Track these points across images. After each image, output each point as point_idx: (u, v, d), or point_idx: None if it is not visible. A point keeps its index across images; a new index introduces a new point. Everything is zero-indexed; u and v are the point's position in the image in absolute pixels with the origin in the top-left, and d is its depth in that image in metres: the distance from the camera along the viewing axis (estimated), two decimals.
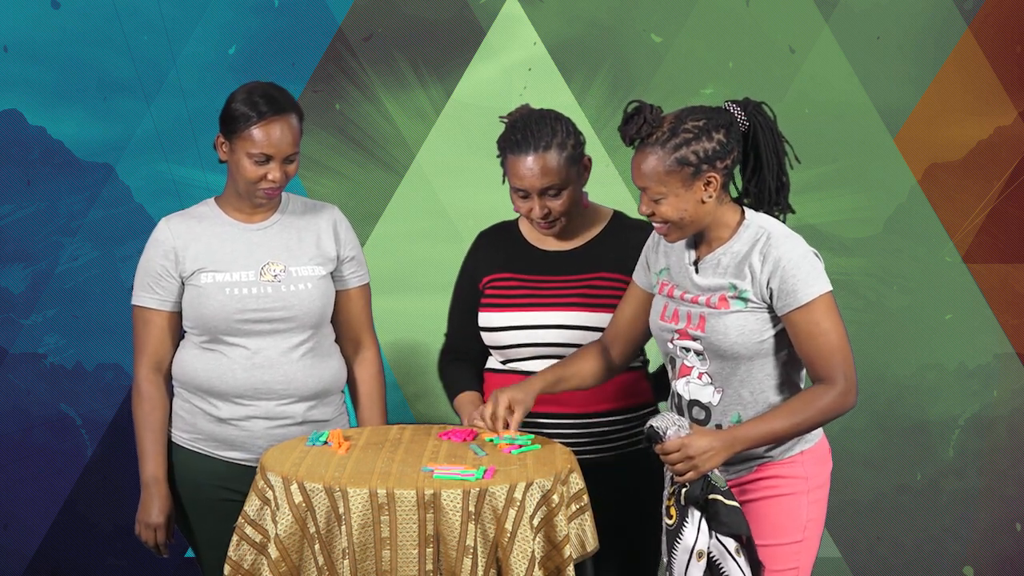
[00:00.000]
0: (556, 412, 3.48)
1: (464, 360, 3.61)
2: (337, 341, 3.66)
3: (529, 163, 3.42)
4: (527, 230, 3.62)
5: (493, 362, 3.60)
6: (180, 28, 4.56)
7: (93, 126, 4.59)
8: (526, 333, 3.51)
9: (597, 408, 3.49)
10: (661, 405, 3.59)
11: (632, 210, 4.48)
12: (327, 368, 3.58)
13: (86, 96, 4.58)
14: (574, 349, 3.48)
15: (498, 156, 3.52)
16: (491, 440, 3.27)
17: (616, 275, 3.50)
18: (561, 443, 3.38)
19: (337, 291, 3.62)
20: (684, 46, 4.62)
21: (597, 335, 3.47)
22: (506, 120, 3.53)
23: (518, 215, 3.60)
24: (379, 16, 4.60)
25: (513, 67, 4.62)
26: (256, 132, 3.44)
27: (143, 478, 3.56)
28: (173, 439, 3.58)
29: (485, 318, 3.55)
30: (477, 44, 4.62)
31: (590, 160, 3.52)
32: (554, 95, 4.56)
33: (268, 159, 3.45)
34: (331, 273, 3.59)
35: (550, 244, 3.58)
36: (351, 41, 4.60)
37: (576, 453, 3.36)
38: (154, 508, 3.55)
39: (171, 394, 3.60)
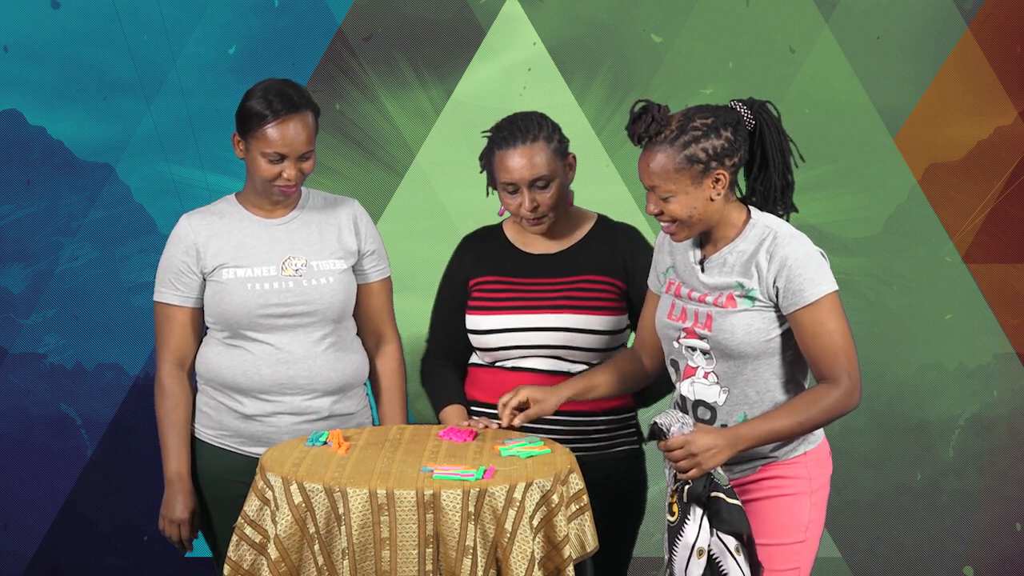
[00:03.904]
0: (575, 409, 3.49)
1: (448, 367, 3.61)
2: (359, 335, 3.66)
3: (518, 155, 3.45)
4: (512, 234, 3.62)
5: (477, 358, 3.61)
6: (180, 28, 4.56)
7: (93, 126, 4.59)
8: (514, 336, 3.52)
9: (577, 408, 3.49)
10: (642, 412, 3.60)
11: (632, 210, 4.49)
12: (350, 362, 3.59)
13: (86, 96, 4.58)
14: (562, 351, 3.50)
15: (482, 171, 3.54)
16: (507, 453, 3.26)
17: (602, 277, 3.52)
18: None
19: (360, 284, 3.63)
20: (684, 46, 4.62)
21: (584, 337, 3.49)
22: (489, 134, 3.55)
23: (502, 219, 3.63)
24: (379, 16, 4.60)
25: (513, 67, 4.62)
26: (270, 131, 3.44)
27: (167, 474, 3.56)
28: (197, 435, 3.58)
29: (473, 321, 3.56)
30: (477, 44, 4.62)
31: (575, 159, 3.54)
32: (554, 95, 4.57)
33: (282, 158, 3.46)
34: (352, 267, 3.60)
35: (536, 247, 3.59)
36: (351, 41, 4.60)
37: (591, 449, 3.38)
38: (178, 504, 3.54)
39: (194, 390, 3.60)
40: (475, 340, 3.57)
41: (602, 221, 3.61)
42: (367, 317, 3.66)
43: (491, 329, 3.53)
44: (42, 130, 4.59)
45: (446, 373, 3.60)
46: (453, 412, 3.52)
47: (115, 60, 4.57)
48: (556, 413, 3.45)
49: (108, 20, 4.55)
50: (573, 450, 3.48)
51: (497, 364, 3.56)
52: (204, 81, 4.57)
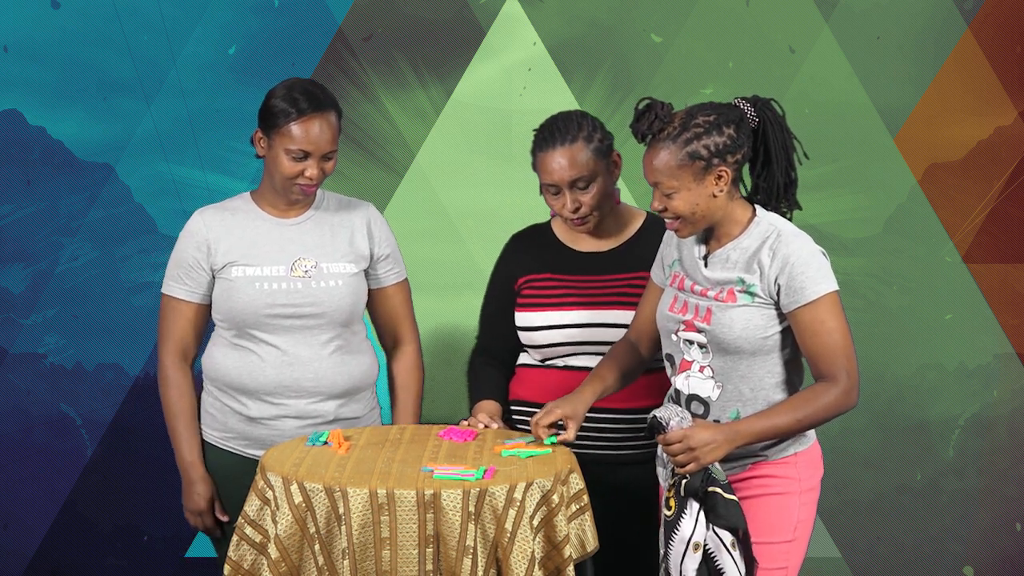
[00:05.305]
0: (593, 407, 3.49)
1: (492, 364, 3.63)
2: (379, 336, 3.67)
3: (557, 156, 3.46)
4: (561, 232, 3.64)
5: (527, 358, 3.61)
6: (180, 28, 4.56)
7: (93, 126, 4.59)
8: (565, 332, 3.53)
9: (633, 404, 3.50)
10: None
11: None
12: (358, 365, 3.59)
13: (86, 96, 4.57)
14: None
15: (535, 170, 3.55)
16: (508, 454, 3.25)
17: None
18: (595, 437, 3.40)
19: (374, 289, 3.64)
20: (684, 46, 4.62)
21: None
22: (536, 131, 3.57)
23: (550, 218, 3.65)
24: (379, 16, 4.60)
25: (513, 67, 4.62)
26: (295, 128, 3.45)
27: (180, 465, 3.58)
28: (203, 436, 3.58)
29: (523, 318, 3.57)
30: (477, 44, 4.62)
31: (620, 156, 3.55)
32: (554, 95, 4.56)
33: (306, 156, 3.47)
34: (365, 271, 3.60)
35: (586, 245, 3.60)
36: (351, 41, 4.59)
37: (610, 448, 3.41)
38: (195, 493, 3.56)
39: (199, 387, 3.60)
40: (524, 337, 3.58)
41: (651, 219, 3.63)
42: (384, 320, 3.67)
43: (541, 326, 3.55)
44: (42, 130, 4.59)
45: (488, 370, 3.62)
46: (485, 407, 3.53)
47: (115, 60, 4.57)
48: (610, 411, 3.46)
49: (108, 20, 4.55)
50: (624, 449, 3.51)
51: (547, 362, 3.57)
52: (204, 81, 4.57)
